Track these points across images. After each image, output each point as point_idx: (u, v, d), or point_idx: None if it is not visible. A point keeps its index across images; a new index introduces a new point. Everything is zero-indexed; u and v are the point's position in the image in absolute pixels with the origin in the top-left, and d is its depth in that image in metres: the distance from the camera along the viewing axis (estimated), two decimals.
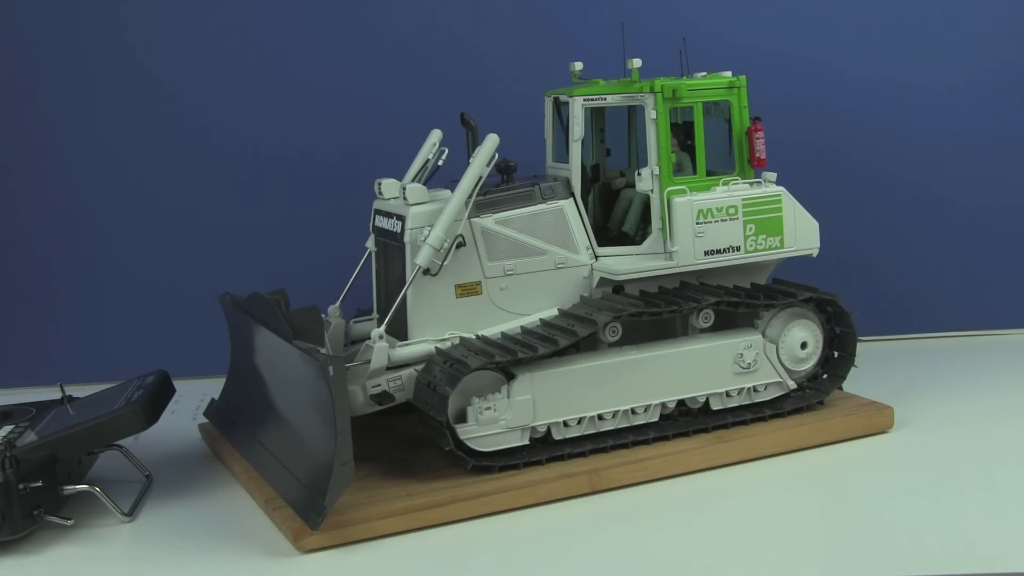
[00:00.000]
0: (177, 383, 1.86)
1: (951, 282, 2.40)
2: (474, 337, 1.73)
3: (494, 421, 1.65)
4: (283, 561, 1.48)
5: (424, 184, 1.78)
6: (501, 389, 1.66)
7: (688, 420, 1.77)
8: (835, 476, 1.70)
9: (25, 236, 2.33)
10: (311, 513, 1.49)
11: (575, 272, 1.82)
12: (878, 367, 2.13)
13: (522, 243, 1.79)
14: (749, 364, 1.79)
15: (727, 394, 1.79)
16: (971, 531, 1.48)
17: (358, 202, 1.91)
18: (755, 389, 1.81)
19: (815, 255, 1.89)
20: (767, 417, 1.80)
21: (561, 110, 1.93)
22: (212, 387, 2.02)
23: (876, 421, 1.82)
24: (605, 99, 1.85)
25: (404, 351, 1.70)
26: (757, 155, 1.87)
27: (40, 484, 1.53)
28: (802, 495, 1.65)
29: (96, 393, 1.85)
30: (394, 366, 1.70)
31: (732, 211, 1.81)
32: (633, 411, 1.73)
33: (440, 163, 1.84)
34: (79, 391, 1.90)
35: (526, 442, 1.68)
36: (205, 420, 1.97)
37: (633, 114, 1.98)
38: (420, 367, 1.69)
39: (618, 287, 1.82)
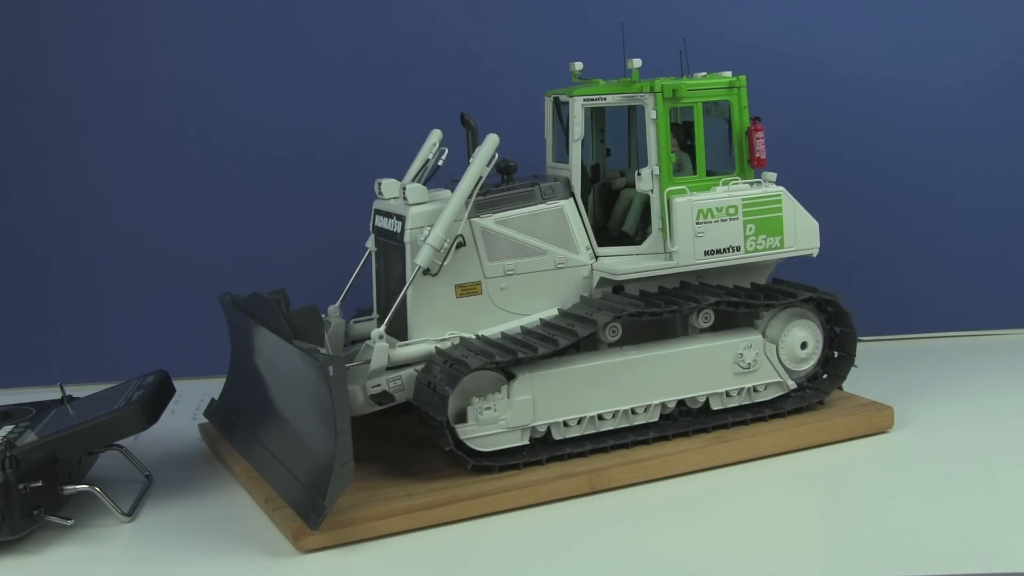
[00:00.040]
0: (177, 383, 1.86)
1: (951, 282, 2.40)
2: (474, 337, 1.73)
3: (494, 421, 1.65)
4: (283, 561, 1.48)
5: (424, 184, 1.78)
6: (501, 389, 1.66)
7: (688, 420, 1.77)
8: (835, 476, 1.69)
9: (25, 236, 2.33)
10: (311, 513, 1.49)
11: (575, 272, 1.82)
12: (878, 367, 2.14)
13: (522, 243, 1.79)
14: (749, 364, 1.79)
15: (727, 394, 1.79)
16: (971, 531, 1.48)
17: (358, 202, 1.91)
18: (755, 389, 1.81)
19: (815, 255, 1.89)
20: (767, 417, 1.80)
21: (561, 110, 1.93)
22: (212, 387, 2.02)
23: (876, 421, 1.82)
24: (605, 99, 1.85)
25: (404, 351, 1.70)
26: (757, 155, 1.87)
27: (40, 484, 1.53)
28: (802, 495, 1.65)
29: (96, 393, 1.85)
30: (394, 366, 1.70)
31: (732, 211, 1.81)
32: (633, 411, 1.73)
33: (440, 163, 1.84)
34: (79, 391, 1.90)
35: (526, 442, 1.68)
36: (205, 420, 1.97)
37: (633, 114, 1.98)
38: (420, 367, 1.69)
39: (618, 287, 1.82)
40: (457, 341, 1.72)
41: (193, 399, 2.13)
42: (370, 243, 1.86)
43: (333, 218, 2.19)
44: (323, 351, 1.54)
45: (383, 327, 1.69)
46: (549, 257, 1.80)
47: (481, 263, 1.76)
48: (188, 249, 2.33)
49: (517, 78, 2.27)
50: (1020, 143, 2.38)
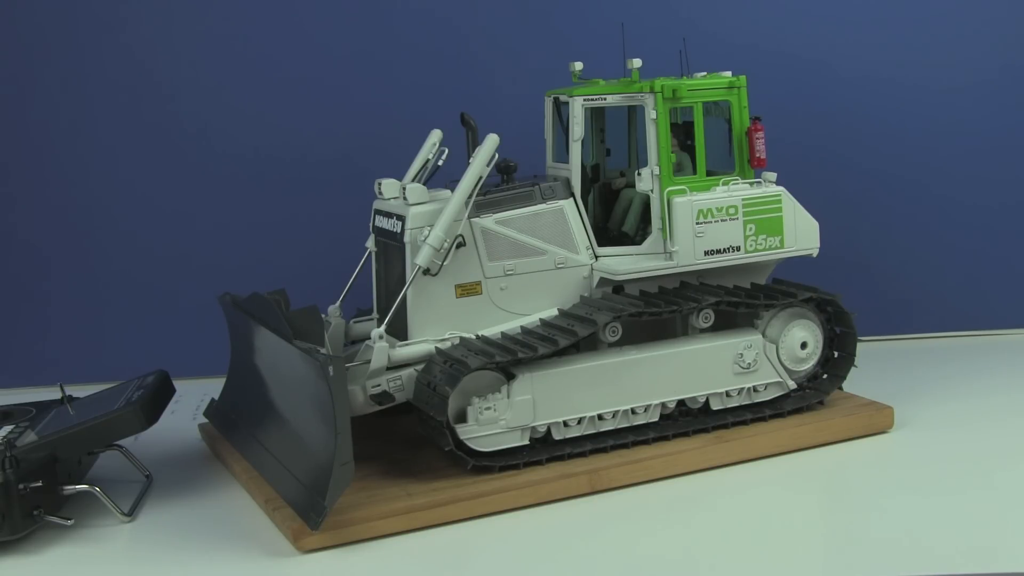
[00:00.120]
0: (177, 383, 1.86)
1: (951, 282, 2.40)
2: (474, 337, 1.73)
3: (494, 421, 1.65)
4: (283, 561, 1.48)
5: (424, 184, 1.78)
6: (501, 389, 1.66)
7: (688, 420, 1.77)
8: (835, 476, 1.69)
9: (25, 236, 2.33)
10: (311, 513, 1.49)
11: (575, 272, 1.82)
12: (878, 367, 2.14)
13: (522, 243, 1.79)
14: (749, 364, 1.79)
15: (727, 394, 1.79)
16: (971, 531, 1.48)
17: (358, 202, 1.91)
18: (755, 389, 1.81)
19: (815, 255, 1.89)
20: (767, 417, 1.80)
21: (561, 110, 1.93)
22: (212, 387, 2.02)
23: (876, 421, 1.82)
24: (605, 99, 1.85)
25: (404, 351, 1.70)
26: (757, 155, 1.87)
27: (40, 484, 1.53)
28: (802, 495, 1.65)
29: (96, 393, 1.85)
30: (394, 366, 1.70)
31: (732, 211, 1.81)
32: (633, 411, 1.73)
33: (440, 163, 1.84)
34: (79, 391, 1.90)
35: (526, 442, 1.68)
36: (205, 420, 1.97)
37: (633, 114, 1.98)
38: (420, 367, 1.69)
39: (618, 287, 1.82)
40: (457, 341, 1.72)
41: (193, 399, 2.13)
42: (370, 243, 1.86)
43: (333, 218, 2.19)
44: (323, 351, 1.54)
45: (383, 327, 1.69)
46: (549, 257, 1.80)
47: (481, 263, 1.76)
48: (188, 249, 2.33)
49: (517, 78, 2.27)
50: (1020, 143, 2.38)
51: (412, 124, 1.98)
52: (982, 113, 2.36)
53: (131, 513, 1.64)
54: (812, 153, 2.34)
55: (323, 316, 1.80)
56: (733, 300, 1.78)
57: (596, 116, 1.98)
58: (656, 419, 1.75)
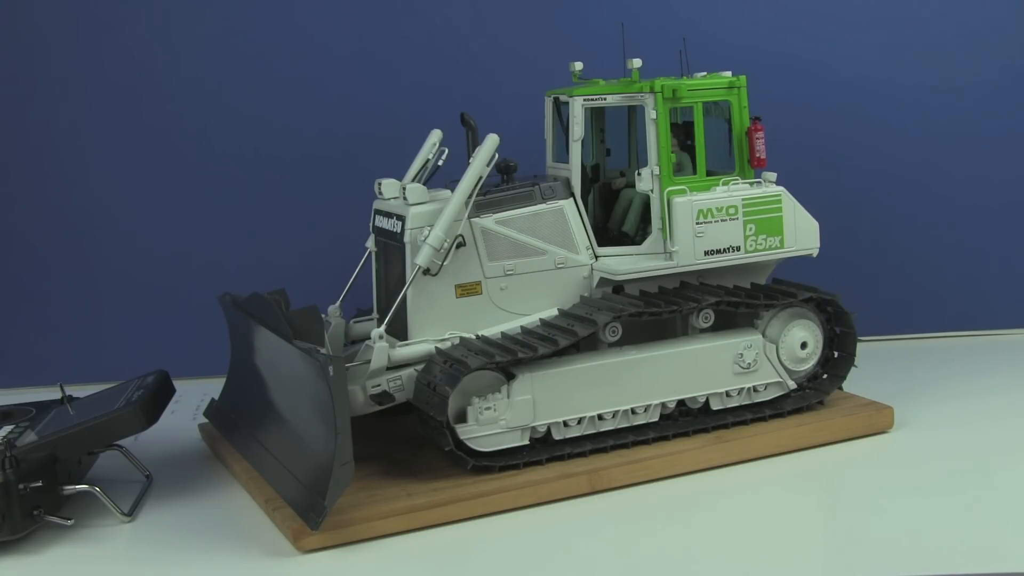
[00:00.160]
0: (177, 383, 1.86)
1: (951, 282, 2.40)
2: (474, 337, 1.73)
3: (494, 421, 1.65)
4: (283, 561, 1.48)
5: (424, 184, 1.78)
6: (501, 389, 1.66)
7: (688, 420, 1.77)
8: (835, 476, 1.69)
9: (25, 236, 2.33)
10: (311, 513, 1.49)
11: (575, 272, 1.82)
12: (878, 367, 2.14)
13: (522, 243, 1.79)
14: (749, 364, 1.79)
15: (727, 394, 1.79)
16: (971, 531, 1.48)
17: (358, 202, 1.91)
18: (755, 389, 1.81)
19: (815, 255, 1.89)
20: (767, 417, 1.80)
21: (561, 110, 1.93)
22: (212, 387, 2.02)
23: (876, 421, 1.82)
24: (605, 99, 1.85)
25: (404, 351, 1.70)
26: (757, 155, 1.87)
27: (40, 484, 1.53)
28: (802, 495, 1.65)
29: (96, 393, 1.85)
30: (394, 366, 1.70)
31: (732, 211, 1.81)
32: (633, 411, 1.73)
33: (440, 163, 1.84)
34: (79, 391, 1.90)
35: (526, 442, 1.68)
36: (205, 420, 1.97)
37: (633, 114, 1.98)
38: (420, 367, 1.69)
39: (618, 287, 1.81)
40: (457, 341, 1.72)
41: (193, 399, 2.13)
42: (370, 243, 1.86)
43: (333, 218, 2.19)
44: (323, 351, 1.54)
45: (383, 327, 1.69)
46: (549, 257, 1.80)
47: (481, 263, 1.76)
48: (188, 249, 2.33)
49: (517, 78, 2.27)
50: (1020, 143, 2.38)
51: (412, 124, 1.98)
52: (982, 113, 2.36)
53: (131, 513, 1.64)
54: (812, 153, 2.34)
55: (323, 316, 1.80)
56: (733, 300, 1.78)
57: (596, 116, 1.98)
58: (656, 419, 1.75)
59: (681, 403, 1.77)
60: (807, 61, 2.34)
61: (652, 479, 1.67)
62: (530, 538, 1.52)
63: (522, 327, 1.76)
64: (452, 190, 1.73)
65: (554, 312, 1.79)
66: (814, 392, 1.85)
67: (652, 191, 1.81)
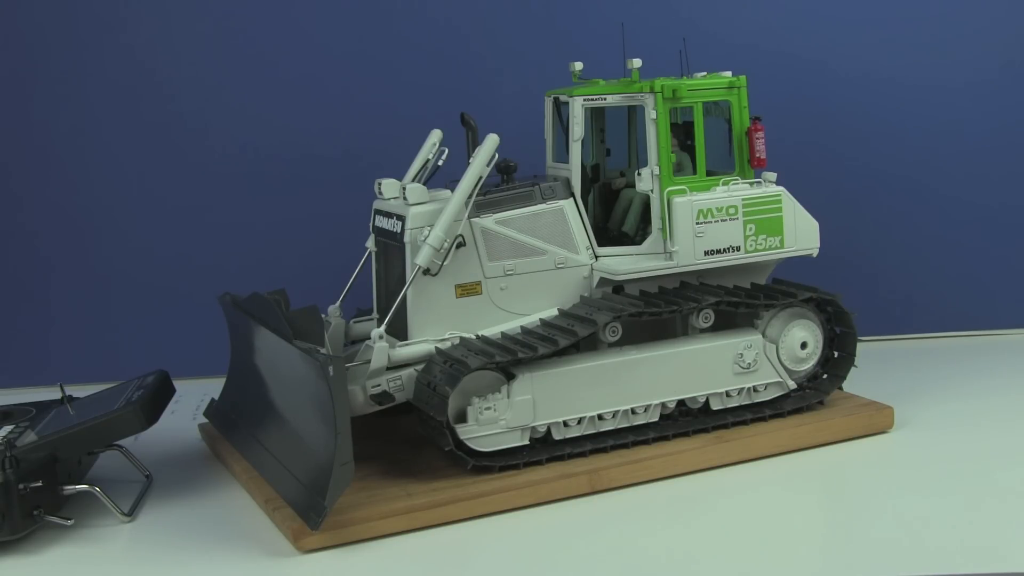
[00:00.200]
0: (177, 383, 1.86)
1: (951, 282, 2.40)
2: (474, 337, 1.73)
3: (494, 421, 1.65)
4: (283, 561, 1.48)
5: (424, 184, 1.78)
6: (501, 389, 1.66)
7: (688, 420, 1.77)
8: (835, 476, 1.69)
9: (25, 236, 2.33)
10: (311, 513, 1.49)
11: (575, 272, 1.82)
12: (878, 367, 2.14)
13: (522, 243, 1.79)
14: (749, 364, 1.79)
15: (727, 394, 1.79)
16: (971, 531, 1.48)
17: (358, 202, 1.91)
18: (755, 389, 1.81)
19: (815, 255, 1.89)
20: (767, 417, 1.80)
21: (561, 110, 1.93)
22: (212, 387, 2.02)
23: (876, 421, 1.82)
24: (605, 99, 1.85)
25: (404, 351, 1.70)
26: (757, 155, 1.87)
27: (40, 484, 1.53)
28: (802, 495, 1.65)
29: (96, 393, 1.85)
30: (394, 366, 1.70)
31: (732, 211, 1.81)
32: (633, 411, 1.73)
33: (440, 163, 1.84)
34: (79, 391, 1.90)
35: (526, 442, 1.68)
36: (205, 420, 1.97)
37: (633, 114, 1.98)
38: (420, 367, 1.69)
39: (618, 287, 1.82)
40: (457, 341, 1.72)
41: (193, 399, 2.13)
42: (370, 243, 1.86)
43: (333, 218, 2.19)
44: (323, 351, 1.54)
45: (383, 327, 1.69)
46: (549, 257, 1.80)
47: (481, 263, 1.76)
48: (188, 249, 2.33)
49: (517, 78, 2.27)
50: (1020, 143, 2.38)
51: (412, 124, 1.98)
52: (982, 113, 2.36)
53: (131, 513, 1.64)
54: (812, 153, 2.34)
55: (323, 316, 1.80)
56: (733, 300, 1.78)
57: (596, 116, 1.98)
58: (656, 419, 1.75)
59: (681, 403, 1.77)
60: (807, 61, 2.34)
61: (652, 479, 1.67)
62: (530, 538, 1.52)
63: (522, 327, 1.76)
64: (452, 190, 1.73)
65: (554, 312, 1.79)
66: (814, 392, 1.85)
67: (652, 191, 1.81)
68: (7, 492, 1.50)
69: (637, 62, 1.85)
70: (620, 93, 1.84)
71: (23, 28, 2.28)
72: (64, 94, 2.29)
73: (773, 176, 1.86)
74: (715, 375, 1.77)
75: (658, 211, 1.81)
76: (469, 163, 1.74)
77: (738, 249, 1.82)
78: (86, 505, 1.65)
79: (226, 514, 1.64)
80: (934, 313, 2.40)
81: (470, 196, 1.72)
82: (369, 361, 1.67)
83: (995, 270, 2.40)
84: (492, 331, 1.76)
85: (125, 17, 2.29)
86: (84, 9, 2.28)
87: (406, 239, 1.72)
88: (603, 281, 1.81)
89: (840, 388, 1.87)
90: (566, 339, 1.68)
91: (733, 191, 1.83)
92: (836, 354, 1.87)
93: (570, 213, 1.82)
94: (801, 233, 1.86)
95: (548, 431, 1.69)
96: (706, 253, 1.80)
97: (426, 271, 1.70)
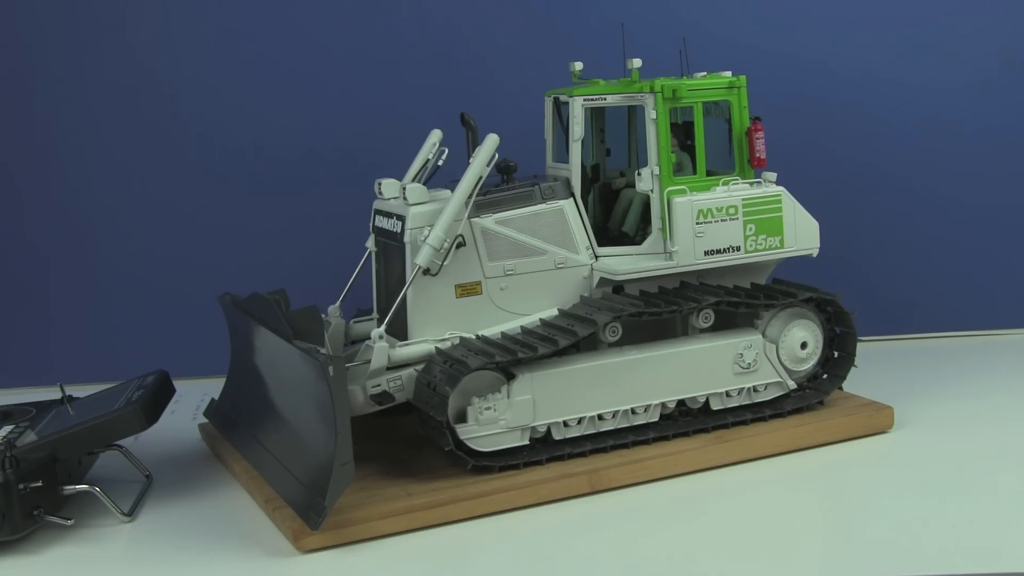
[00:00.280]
0: (177, 383, 1.86)
1: (951, 282, 2.40)
2: (474, 337, 1.73)
3: (494, 421, 1.65)
4: (283, 561, 1.48)
5: (424, 184, 1.78)
6: (501, 389, 1.66)
7: (688, 420, 1.77)
8: (835, 476, 1.69)
9: (26, 236, 2.33)
10: (311, 513, 1.49)
11: (575, 272, 1.82)
12: (878, 367, 2.13)
13: (522, 243, 1.79)
14: (749, 364, 1.79)
15: (727, 394, 1.79)
16: (971, 531, 1.47)
17: (358, 202, 1.91)
18: (755, 389, 1.81)
19: (815, 255, 1.89)
20: (767, 417, 1.80)
21: (561, 110, 1.93)
22: (212, 387, 2.02)
23: (876, 421, 1.82)
24: (605, 99, 1.85)
25: (404, 351, 1.70)
26: (757, 155, 1.87)
27: (40, 484, 1.53)
28: (802, 495, 1.65)
29: (96, 393, 1.85)
30: (394, 366, 1.70)
31: (732, 211, 1.81)
32: (633, 411, 1.73)
33: (440, 163, 1.84)
34: (79, 391, 1.90)
35: (526, 442, 1.68)
36: (205, 420, 1.97)
37: (633, 114, 1.98)
38: (420, 367, 1.69)
39: (618, 287, 1.82)
40: (457, 341, 1.72)
41: (193, 399, 2.13)
42: (370, 243, 1.86)
43: (333, 218, 2.19)
44: (323, 351, 1.54)
45: (383, 327, 1.69)
46: (549, 257, 1.80)
47: (481, 263, 1.76)
48: (188, 249, 2.33)
49: (517, 78, 2.27)
50: (1020, 143, 2.38)
51: (412, 124, 1.98)
52: (982, 113, 2.36)
53: (131, 513, 1.64)
54: (812, 153, 2.34)
55: (323, 316, 1.80)
56: (733, 300, 1.78)
57: (596, 116, 1.98)
58: (656, 419, 1.75)
59: (681, 403, 1.77)
60: (807, 61, 2.34)
61: (652, 479, 1.67)
62: (530, 538, 1.52)
63: (522, 327, 1.76)
64: (452, 190, 1.73)
65: (554, 312, 1.79)
66: (814, 392, 1.85)
67: (652, 191, 1.81)
68: (7, 492, 1.50)
69: (637, 62, 1.85)
70: (620, 93, 1.84)
71: (23, 28, 2.28)
72: (64, 94, 2.29)
73: (773, 176, 1.86)
74: (715, 375, 1.77)
75: (658, 211, 1.81)
76: (469, 163, 1.74)
77: (738, 249, 1.82)
78: (86, 505, 1.65)
79: (226, 514, 1.64)
80: (934, 313, 2.40)
81: (470, 196, 1.72)
82: (369, 361, 1.67)
83: (995, 270, 2.40)
84: (492, 331, 1.76)
85: (125, 17, 2.29)
86: (84, 9, 2.28)
87: (406, 239, 1.72)
88: (603, 281, 1.81)
89: (840, 388, 1.87)
90: (566, 339, 1.68)
91: (733, 191, 1.83)
92: (836, 354, 1.87)
93: (570, 213, 1.82)
94: (801, 233, 1.86)
95: (548, 431, 1.69)
96: (706, 253, 1.80)
97: (426, 271, 1.70)
